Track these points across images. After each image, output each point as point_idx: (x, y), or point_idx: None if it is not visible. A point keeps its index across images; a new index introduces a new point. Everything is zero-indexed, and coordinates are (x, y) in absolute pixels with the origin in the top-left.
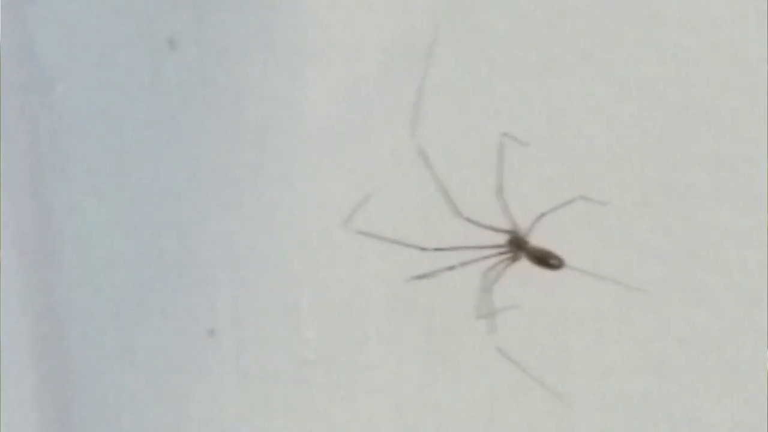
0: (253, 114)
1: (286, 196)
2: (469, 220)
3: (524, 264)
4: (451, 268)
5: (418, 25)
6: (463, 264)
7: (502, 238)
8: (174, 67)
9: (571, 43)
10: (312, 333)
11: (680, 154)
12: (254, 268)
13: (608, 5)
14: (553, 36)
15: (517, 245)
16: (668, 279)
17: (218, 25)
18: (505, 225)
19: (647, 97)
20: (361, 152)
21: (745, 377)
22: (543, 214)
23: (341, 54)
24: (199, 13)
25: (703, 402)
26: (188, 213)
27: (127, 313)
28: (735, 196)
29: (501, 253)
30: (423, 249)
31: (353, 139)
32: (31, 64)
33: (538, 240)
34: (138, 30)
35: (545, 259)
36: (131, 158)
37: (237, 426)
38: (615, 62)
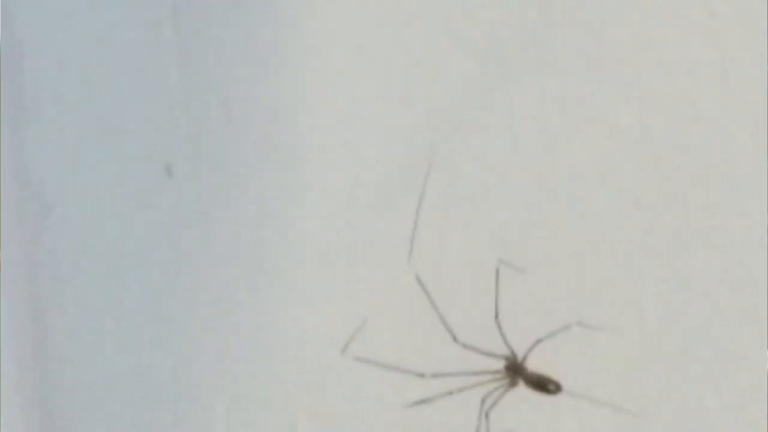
0: (250, 238)
1: (283, 321)
2: (465, 345)
3: (522, 389)
4: (450, 393)
5: (414, 150)
6: (461, 389)
7: (500, 364)
8: (171, 193)
9: (564, 169)
10: None
11: (673, 283)
12: (251, 394)
13: (601, 127)
14: (547, 161)
15: (515, 371)
16: (663, 402)
17: (214, 151)
18: (502, 350)
19: (643, 220)
20: (358, 277)
21: None
22: (539, 340)
23: (338, 178)
24: (195, 140)
25: None
26: (185, 337)
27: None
28: (730, 319)
29: (498, 379)
30: (421, 375)
31: (350, 264)
32: (29, 189)
33: (535, 365)
34: (135, 155)
35: (543, 385)
36: (129, 283)
37: None
38: (610, 184)
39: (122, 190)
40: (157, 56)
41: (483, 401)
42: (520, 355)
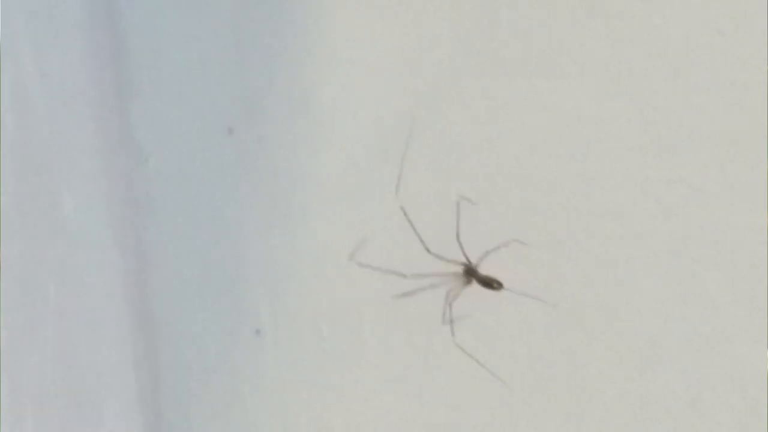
0: (286, 181)
1: (310, 238)
2: (435, 255)
3: (475, 287)
4: (424, 289)
5: (401, 112)
6: (432, 287)
7: (459, 269)
8: (232, 149)
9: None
10: (328, 333)
11: (581, 211)
12: (288, 287)
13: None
14: (494, 131)
15: (470, 273)
16: (579, 299)
17: (262, 115)
18: (461, 259)
19: (562, 162)
20: (361, 207)
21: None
22: (488, 252)
23: (347, 137)
24: (249, 108)
25: (599, 394)
26: (243, 246)
27: (197, 319)
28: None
29: (459, 279)
30: (404, 276)
31: (357, 197)
32: (131, 144)
33: (484, 269)
34: (206, 120)
35: (490, 283)
36: (203, 208)
37: (276, 398)
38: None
39: (197, 146)
40: (219, 50)
41: (447, 295)
42: (474, 262)
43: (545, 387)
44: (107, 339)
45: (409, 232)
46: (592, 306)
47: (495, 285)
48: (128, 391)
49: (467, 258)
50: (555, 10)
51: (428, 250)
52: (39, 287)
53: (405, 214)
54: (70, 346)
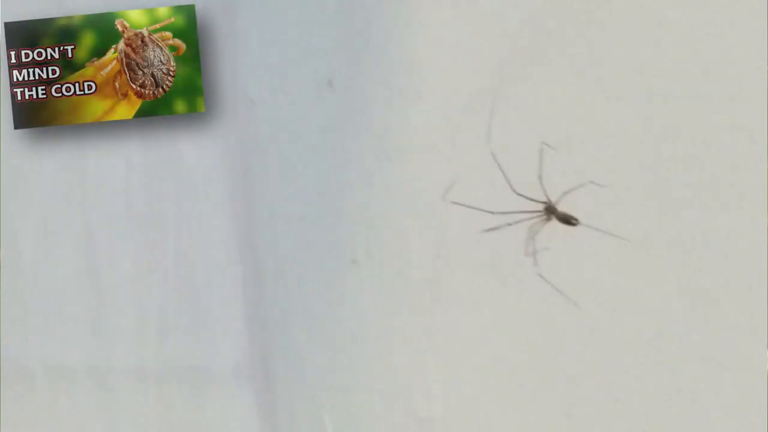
0: (382, 127)
1: (404, 179)
2: (520, 194)
3: (554, 222)
4: (509, 224)
5: (489, 72)
6: (517, 222)
7: (541, 207)
8: (332, 98)
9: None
10: (419, 262)
11: (645, 161)
12: (383, 222)
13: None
14: (574, 87)
15: (550, 211)
16: (647, 235)
17: (361, 68)
18: (543, 198)
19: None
20: (454, 153)
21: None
22: (566, 192)
23: (439, 90)
24: (349, 61)
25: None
26: (342, 185)
27: (300, 249)
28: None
29: (540, 216)
30: (492, 212)
31: (449, 145)
32: (240, 91)
33: (563, 207)
34: (308, 72)
35: (567, 220)
36: (306, 151)
37: (370, 321)
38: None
39: (300, 95)
40: (321, 8)
41: (530, 228)
42: (553, 201)
43: (614, 312)
44: (219, 270)
45: (499, 175)
46: (659, 242)
47: (572, 221)
48: (236, 314)
49: (548, 197)
50: None
51: (514, 191)
52: (161, 223)
53: (495, 160)
54: (187, 278)
